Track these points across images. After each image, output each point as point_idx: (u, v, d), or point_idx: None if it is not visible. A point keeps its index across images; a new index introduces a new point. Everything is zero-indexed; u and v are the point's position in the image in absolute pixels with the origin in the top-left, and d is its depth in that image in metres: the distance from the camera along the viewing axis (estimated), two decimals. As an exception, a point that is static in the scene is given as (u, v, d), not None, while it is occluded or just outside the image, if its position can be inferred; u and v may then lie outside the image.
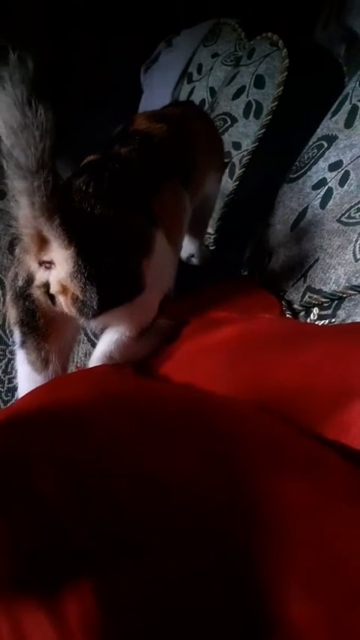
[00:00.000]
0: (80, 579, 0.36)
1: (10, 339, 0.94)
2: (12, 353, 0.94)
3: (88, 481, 0.43)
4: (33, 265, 0.69)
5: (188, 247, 1.21)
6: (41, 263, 0.68)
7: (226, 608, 0.36)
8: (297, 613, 0.35)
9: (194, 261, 1.22)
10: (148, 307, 0.77)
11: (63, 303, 0.69)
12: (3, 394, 0.95)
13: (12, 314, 0.74)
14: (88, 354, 0.95)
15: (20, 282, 0.70)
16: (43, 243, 0.66)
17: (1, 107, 0.56)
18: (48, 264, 0.67)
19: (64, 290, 0.67)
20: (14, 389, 0.93)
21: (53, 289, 0.68)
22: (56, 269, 0.67)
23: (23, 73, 0.55)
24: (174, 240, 0.84)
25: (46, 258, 0.67)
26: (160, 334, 0.83)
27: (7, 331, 0.94)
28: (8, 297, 0.74)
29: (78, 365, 0.95)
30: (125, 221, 0.72)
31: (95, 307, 0.67)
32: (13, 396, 0.94)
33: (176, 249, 0.90)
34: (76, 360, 0.95)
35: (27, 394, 0.69)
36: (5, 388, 0.95)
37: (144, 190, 0.79)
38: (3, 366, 0.95)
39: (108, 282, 0.68)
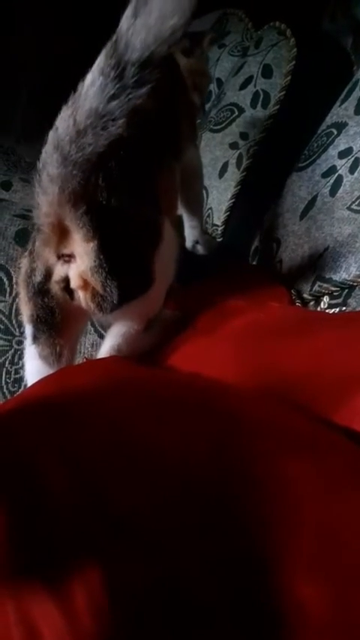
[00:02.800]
0: (85, 564, 0.36)
1: (17, 330, 0.94)
2: (18, 344, 0.93)
3: (91, 467, 0.43)
4: (51, 259, 0.67)
5: (191, 233, 1.17)
6: (60, 256, 0.66)
7: (227, 589, 0.35)
8: (303, 594, 0.35)
9: (199, 248, 1.19)
10: (156, 299, 0.76)
11: (82, 298, 0.67)
12: (10, 385, 0.95)
13: (26, 311, 0.71)
14: (94, 345, 0.94)
15: (39, 278, 0.68)
16: (63, 234, 0.64)
17: (93, 92, 0.55)
18: (67, 258, 0.66)
19: (84, 285, 0.66)
20: (21, 379, 0.93)
21: (74, 284, 0.66)
22: (76, 262, 0.65)
23: (148, 84, 0.54)
24: (174, 223, 0.82)
25: (65, 251, 0.65)
26: (165, 325, 0.82)
27: (14, 322, 0.94)
28: (23, 294, 0.71)
29: (85, 356, 0.94)
30: (139, 213, 0.70)
31: (115, 302, 0.66)
32: (19, 386, 0.93)
33: (176, 231, 0.87)
34: (83, 352, 0.94)
35: (35, 383, 0.68)
36: (12, 379, 0.95)
37: (147, 176, 0.77)
38: (9, 357, 0.95)
39: (126, 276, 0.66)
